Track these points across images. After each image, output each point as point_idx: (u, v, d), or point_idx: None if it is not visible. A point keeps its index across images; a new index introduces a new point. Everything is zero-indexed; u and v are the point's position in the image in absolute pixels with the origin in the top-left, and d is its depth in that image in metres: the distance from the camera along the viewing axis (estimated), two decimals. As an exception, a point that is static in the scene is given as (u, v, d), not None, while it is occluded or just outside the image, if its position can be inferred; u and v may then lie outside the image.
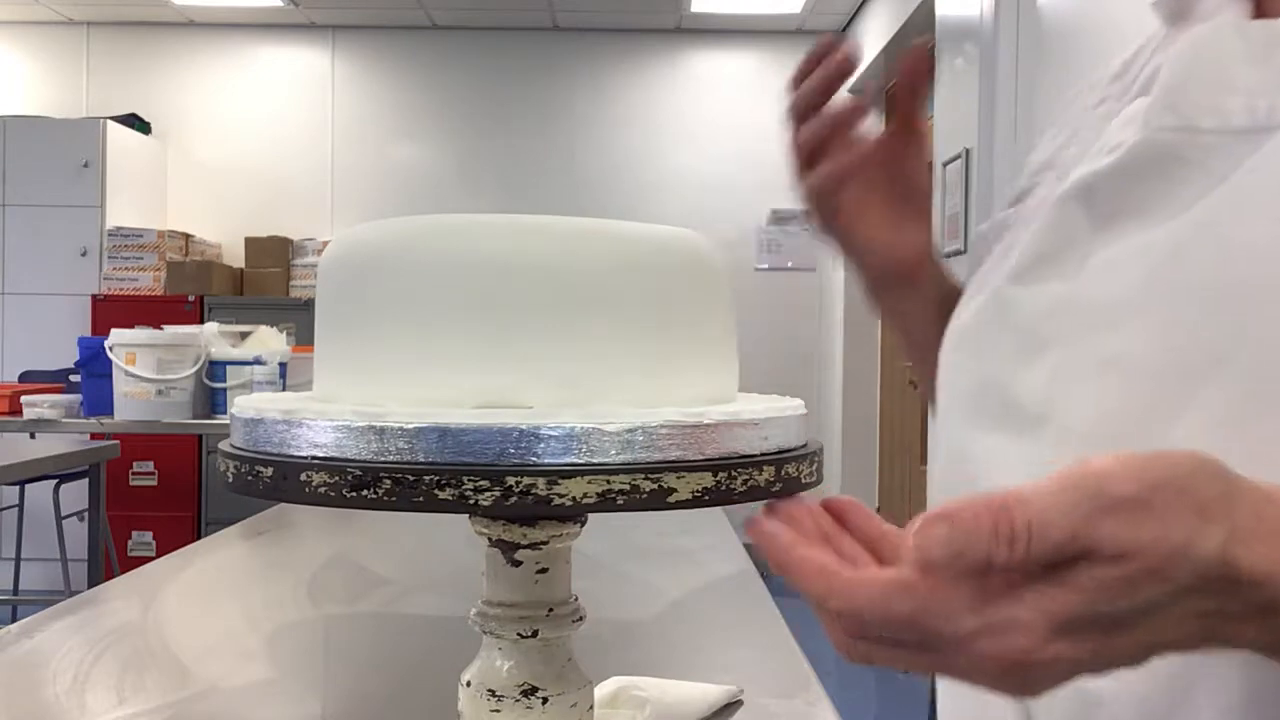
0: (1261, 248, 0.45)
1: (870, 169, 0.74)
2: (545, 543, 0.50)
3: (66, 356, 4.08)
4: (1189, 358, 0.45)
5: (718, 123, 5.56)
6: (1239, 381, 0.43)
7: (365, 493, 0.41)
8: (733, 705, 0.80)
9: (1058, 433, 0.50)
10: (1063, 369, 0.50)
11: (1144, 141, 0.51)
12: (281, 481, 0.44)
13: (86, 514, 3.33)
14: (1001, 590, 0.36)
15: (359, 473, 0.42)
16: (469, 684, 0.51)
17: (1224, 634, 0.36)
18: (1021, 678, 0.36)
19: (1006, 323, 0.55)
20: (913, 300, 0.77)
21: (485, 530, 0.50)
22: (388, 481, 0.41)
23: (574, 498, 0.41)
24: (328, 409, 0.45)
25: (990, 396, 0.55)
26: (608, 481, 0.41)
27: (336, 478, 0.42)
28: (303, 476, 0.43)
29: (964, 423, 0.57)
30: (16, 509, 4.23)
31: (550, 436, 0.41)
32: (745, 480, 0.44)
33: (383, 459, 0.42)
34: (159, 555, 1.72)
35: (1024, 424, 0.51)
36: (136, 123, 5.35)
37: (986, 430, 0.54)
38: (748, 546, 0.45)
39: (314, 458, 0.43)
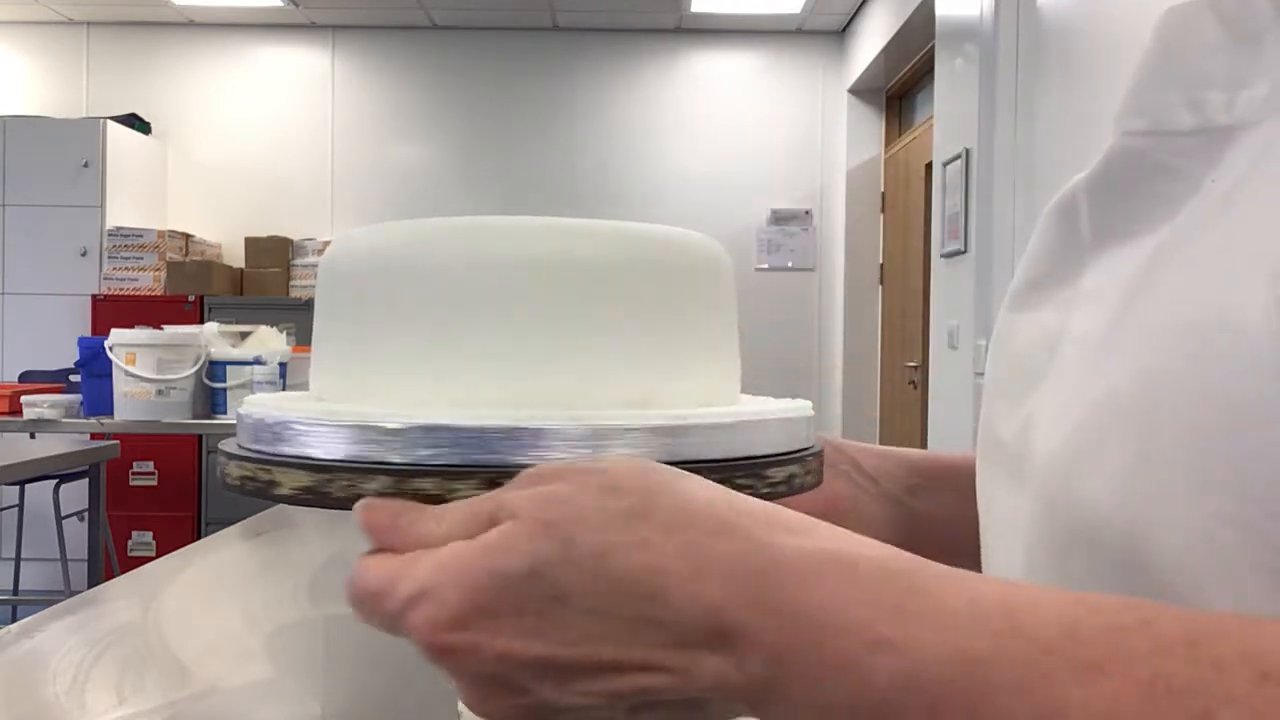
0: (1211, 276, 0.37)
1: None
2: (545, 543, 0.50)
3: (66, 356, 4.08)
4: (1118, 401, 0.38)
5: (717, 123, 5.56)
6: (1146, 429, 0.37)
7: (346, 493, 0.42)
8: (733, 705, 0.80)
9: (1029, 479, 0.44)
10: (1034, 413, 0.45)
11: (1115, 149, 0.44)
12: (270, 482, 0.44)
13: (86, 514, 3.33)
14: (429, 557, 0.36)
15: (342, 473, 0.42)
16: (469, 684, 0.51)
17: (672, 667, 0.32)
18: (447, 662, 0.35)
19: (1003, 355, 0.50)
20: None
21: (485, 530, 0.50)
22: (369, 482, 0.41)
23: None
24: (316, 409, 0.45)
25: (988, 435, 0.50)
26: None
27: (318, 478, 0.42)
28: (288, 476, 0.43)
29: (979, 457, 0.51)
30: (16, 509, 4.23)
31: (528, 438, 0.41)
32: (730, 485, 0.44)
33: (367, 459, 0.42)
34: (159, 555, 1.72)
35: (1008, 467, 0.47)
36: (136, 123, 5.35)
37: (988, 471, 0.50)
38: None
39: (299, 456, 0.44)
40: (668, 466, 0.37)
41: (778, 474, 0.45)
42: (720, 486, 0.36)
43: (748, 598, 0.31)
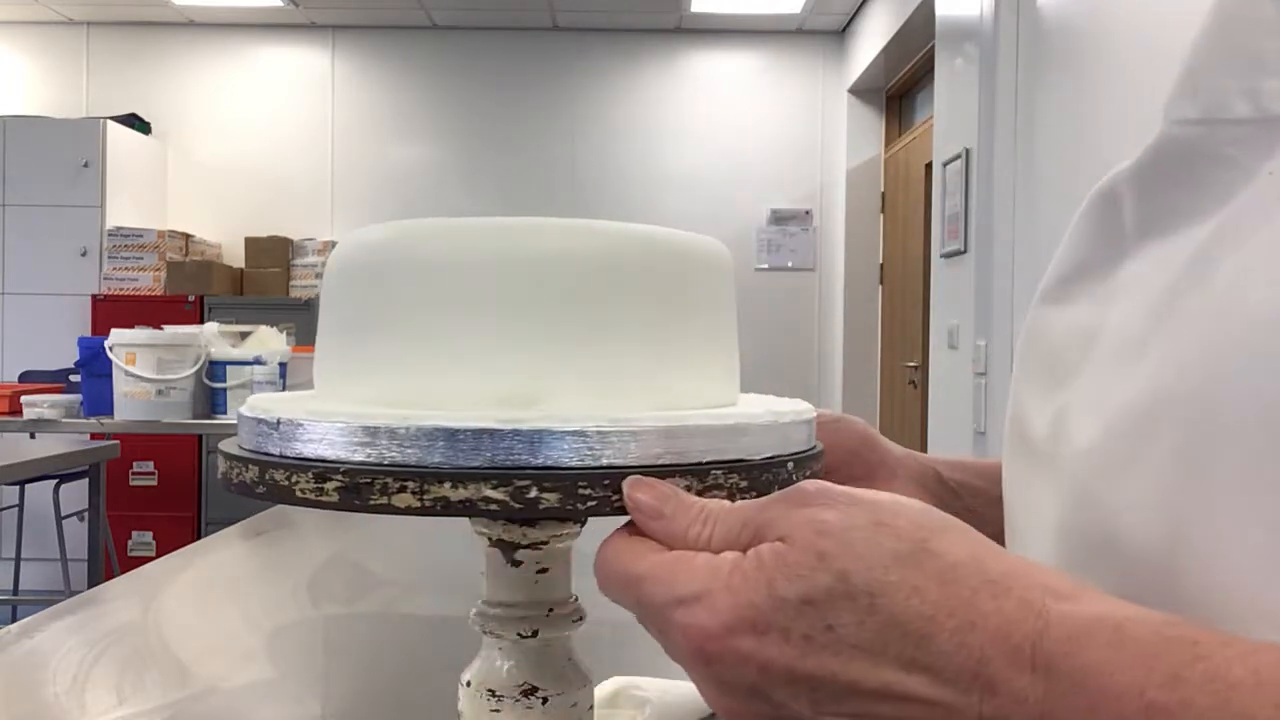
0: (1272, 269, 0.35)
1: None
2: (545, 543, 0.50)
3: (66, 356, 4.08)
4: (1160, 398, 0.37)
5: (718, 123, 5.56)
6: (1192, 430, 0.35)
7: (347, 494, 0.42)
8: (733, 705, 0.80)
9: (1059, 476, 0.43)
10: (1068, 407, 0.43)
11: (1164, 138, 0.42)
12: (263, 481, 0.44)
13: (86, 514, 3.33)
14: (707, 562, 0.37)
15: (343, 473, 0.42)
16: (469, 684, 0.51)
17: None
18: (707, 667, 0.36)
19: (1035, 348, 0.48)
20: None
21: (485, 530, 0.50)
22: (370, 482, 0.41)
23: (543, 501, 0.41)
24: (317, 409, 0.45)
25: (1016, 431, 0.48)
26: (581, 487, 0.41)
27: (310, 479, 0.42)
28: (277, 476, 0.43)
29: (1006, 453, 0.50)
30: (16, 509, 4.23)
31: (531, 439, 0.41)
32: (724, 485, 0.43)
33: (368, 460, 0.42)
34: (159, 555, 1.72)
35: (1038, 462, 0.45)
36: (136, 123, 5.35)
37: (1016, 466, 0.49)
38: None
39: (300, 457, 0.44)
40: (933, 510, 0.37)
41: (759, 476, 0.45)
42: (984, 540, 0.35)
43: (1016, 658, 0.31)
